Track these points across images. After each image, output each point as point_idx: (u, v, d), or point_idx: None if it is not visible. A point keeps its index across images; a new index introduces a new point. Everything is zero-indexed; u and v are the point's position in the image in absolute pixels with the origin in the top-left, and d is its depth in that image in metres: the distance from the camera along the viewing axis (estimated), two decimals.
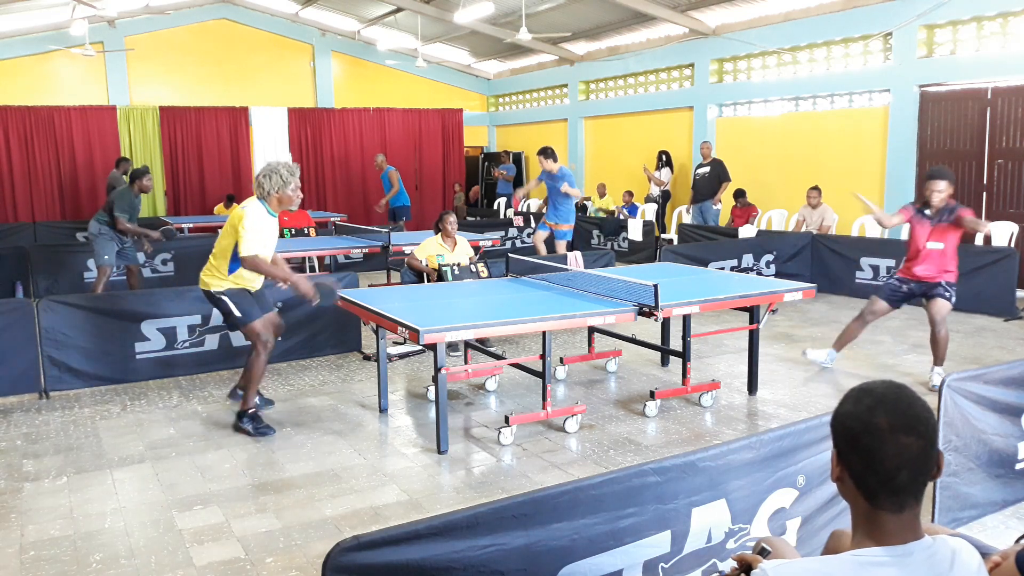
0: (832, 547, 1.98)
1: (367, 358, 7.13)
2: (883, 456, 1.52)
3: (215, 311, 6.49)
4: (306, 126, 17.38)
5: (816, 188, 10.88)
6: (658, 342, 6.69)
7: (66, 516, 4.05)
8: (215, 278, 5.26)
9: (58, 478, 4.56)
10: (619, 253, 12.47)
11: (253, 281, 5.39)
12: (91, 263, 10.42)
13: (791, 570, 1.57)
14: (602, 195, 15.36)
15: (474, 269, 7.12)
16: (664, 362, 6.87)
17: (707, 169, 12.78)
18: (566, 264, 7.45)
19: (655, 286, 4.98)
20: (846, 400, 1.61)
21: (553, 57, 17.21)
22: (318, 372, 6.80)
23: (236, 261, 5.15)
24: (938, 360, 6.18)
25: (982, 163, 10.15)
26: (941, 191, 5.93)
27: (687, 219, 13.45)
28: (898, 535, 1.54)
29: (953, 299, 6.08)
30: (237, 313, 5.23)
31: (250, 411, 5.33)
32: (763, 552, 1.87)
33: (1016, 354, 6.98)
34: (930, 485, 3.57)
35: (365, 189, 17.94)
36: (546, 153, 9.71)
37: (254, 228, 5.06)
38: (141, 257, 9.66)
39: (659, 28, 14.39)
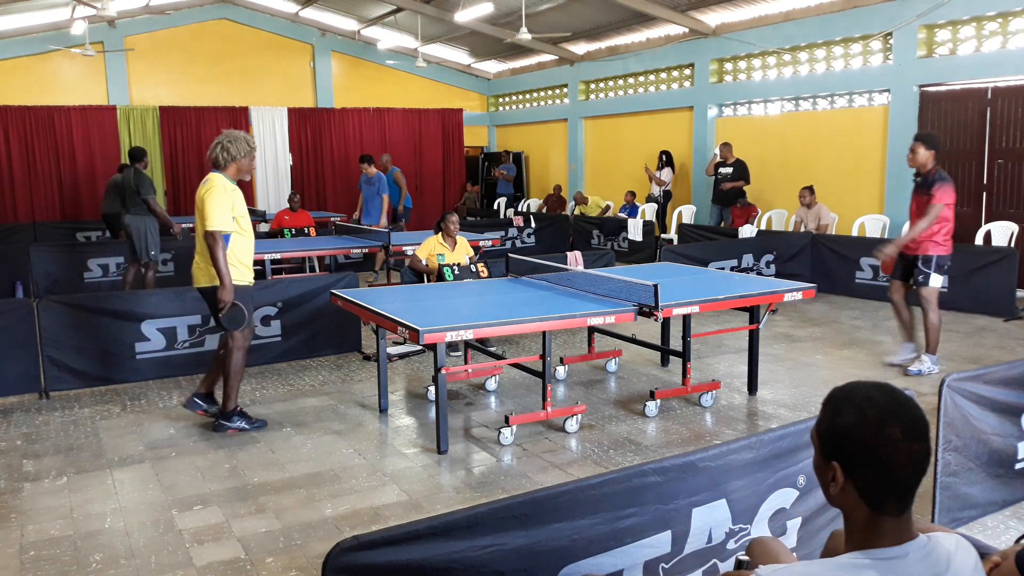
0: (832, 547, 1.98)
1: (367, 358, 7.13)
2: (898, 466, 1.51)
3: None
4: (306, 126, 17.37)
5: (808, 188, 10.85)
6: (658, 342, 6.69)
7: (66, 516, 4.06)
8: (210, 269, 5.05)
9: (58, 478, 4.56)
10: (619, 253, 12.46)
11: (246, 265, 5.16)
12: (93, 263, 10.43)
13: (787, 574, 1.57)
14: (580, 202, 15.32)
15: (474, 269, 7.12)
16: (664, 362, 6.87)
17: (730, 170, 12.70)
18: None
19: (655, 286, 4.99)
20: (842, 411, 1.57)
21: (553, 57, 17.21)
22: (318, 372, 6.80)
23: (224, 238, 4.97)
24: (928, 347, 6.32)
25: (982, 163, 10.15)
26: (912, 152, 6.13)
27: (704, 220, 13.43)
28: (896, 537, 1.54)
29: (930, 281, 6.21)
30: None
31: (238, 409, 5.31)
32: (741, 565, 1.89)
33: (1016, 354, 6.98)
34: (929, 485, 3.58)
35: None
36: (369, 160, 11.22)
37: (222, 201, 4.91)
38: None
39: (659, 28, 14.39)
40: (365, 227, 10.40)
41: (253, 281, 5.31)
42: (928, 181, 6.13)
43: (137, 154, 9.21)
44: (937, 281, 6.21)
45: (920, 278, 6.25)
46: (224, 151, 5.07)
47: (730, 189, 12.54)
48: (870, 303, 9.37)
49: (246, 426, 5.28)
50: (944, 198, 6.05)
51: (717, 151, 12.90)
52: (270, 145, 17.16)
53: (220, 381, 5.37)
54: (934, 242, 6.20)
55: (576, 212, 15.33)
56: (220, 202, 4.93)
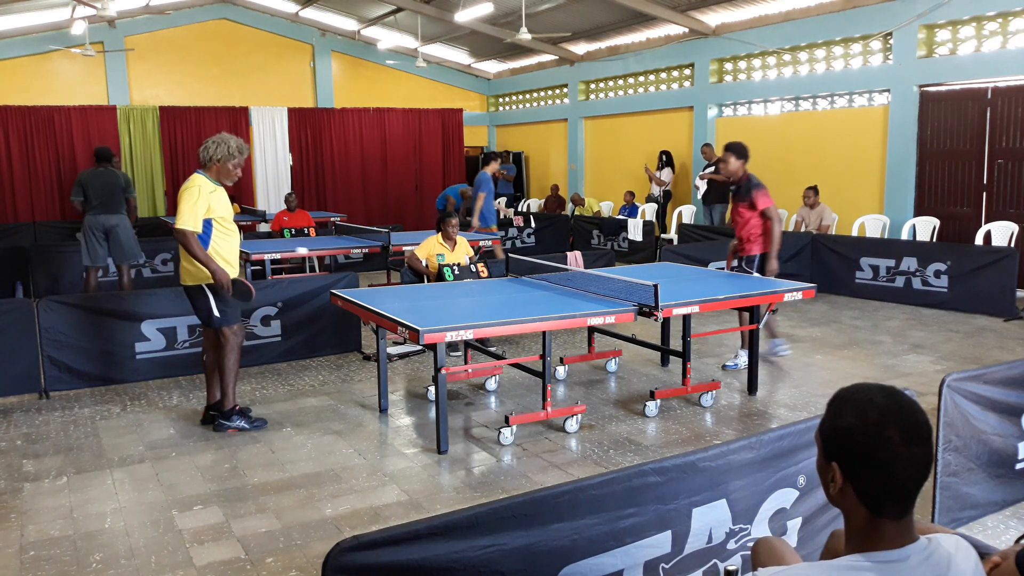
0: (832, 547, 1.98)
1: (367, 358, 7.13)
2: (897, 469, 1.51)
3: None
4: (306, 126, 17.36)
5: (812, 188, 10.87)
6: (658, 342, 6.69)
7: (66, 516, 4.06)
8: (192, 269, 5.12)
9: (58, 478, 4.56)
10: (619, 253, 12.46)
11: (228, 262, 5.16)
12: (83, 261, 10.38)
13: None
14: (577, 203, 15.32)
15: (474, 269, 7.12)
16: (664, 362, 6.87)
17: (712, 169, 12.79)
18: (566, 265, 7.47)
19: (655, 286, 4.99)
20: (843, 413, 1.57)
21: (553, 57, 17.21)
22: (318, 372, 6.80)
23: (203, 237, 5.02)
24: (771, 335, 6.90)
25: (982, 163, 10.15)
26: (724, 161, 6.68)
27: (696, 220, 13.47)
28: (896, 540, 1.54)
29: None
30: (216, 314, 5.13)
31: (237, 408, 5.32)
32: None
33: (1016, 354, 6.98)
34: (929, 485, 3.58)
35: (365, 189, 17.95)
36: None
37: (195, 201, 4.94)
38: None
39: (659, 28, 14.39)
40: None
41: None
42: (745, 188, 6.55)
43: (107, 154, 8.99)
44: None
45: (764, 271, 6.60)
46: (205, 150, 5.11)
47: (712, 184, 12.62)
48: (870, 303, 9.37)
49: (246, 425, 5.29)
50: (767, 202, 6.48)
51: (710, 167, 12.97)
52: (270, 145, 17.15)
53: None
54: (754, 242, 6.61)
55: (576, 212, 15.33)
56: (192, 202, 4.95)
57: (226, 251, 5.15)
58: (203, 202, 4.97)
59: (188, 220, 4.92)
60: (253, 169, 17.02)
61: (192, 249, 4.94)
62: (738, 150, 6.59)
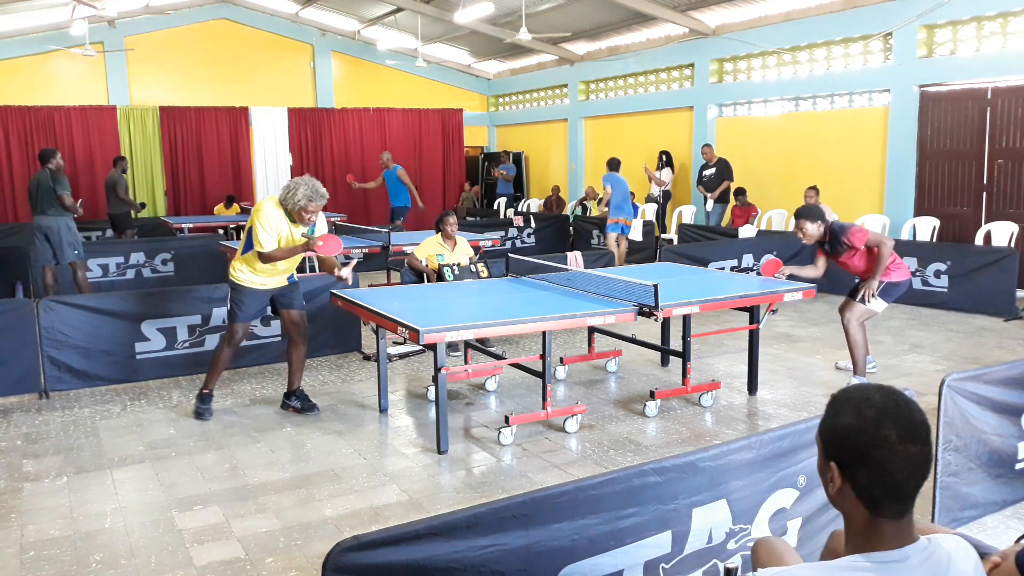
0: (832, 548, 1.98)
1: (367, 358, 7.13)
2: (894, 468, 1.51)
3: (215, 310, 6.66)
4: (306, 126, 17.36)
5: (813, 188, 10.84)
6: (658, 342, 6.69)
7: (66, 516, 4.06)
8: (233, 264, 5.52)
9: (58, 478, 4.56)
10: None
11: (258, 272, 5.45)
12: (93, 263, 10.40)
13: None
14: (591, 197, 15.28)
15: (474, 269, 7.12)
16: (664, 362, 6.87)
17: (713, 171, 12.85)
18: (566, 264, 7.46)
19: (655, 286, 4.99)
20: (841, 412, 1.57)
21: (553, 57, 17.21)
22: (318, 372, 6.80)
23: (247, 247, 5.39)
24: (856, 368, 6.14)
25: (982, 163, 10.15)
26: (800, 230, 6.04)
27: (696, 220, 13.50)
28: (895, 540, 1.54)
29: (871, 303, 5.96)
30: (228, 305, 5.54)
31: (204, 392, 5.64)
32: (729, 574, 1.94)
33: (1016, 354, 6.98)
34: (929, 485, 3.58)
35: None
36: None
37: (263, 230, 5.24)
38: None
39: (659, 28, 14.39)
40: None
41: (265, 286, 5.52)
42: (834, 239, 6.00)
43: (45, 155, 9.10)
44: (878, 306, 5.99)
45: (863, 295, 6.00)
46: (283, 191, 5.30)
47: (711, 185, 12.77)
48: None
49: (201, 406, 5.60)
50: (862, 235, 5.91)
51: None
52: (270, 145, 17.15)
53: (300, 372, 5.77)
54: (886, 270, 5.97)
55: (590, 209, 15.25)
56: (263, 231, 5.23)
57: (262, 268, 5.39)
58: (272, 229, 5.25)
59: (265, 244, 5.25)
60: (253, 169, 17.04)
61: (282, 255, 5.31)
62: (810, 214, 6.02)
